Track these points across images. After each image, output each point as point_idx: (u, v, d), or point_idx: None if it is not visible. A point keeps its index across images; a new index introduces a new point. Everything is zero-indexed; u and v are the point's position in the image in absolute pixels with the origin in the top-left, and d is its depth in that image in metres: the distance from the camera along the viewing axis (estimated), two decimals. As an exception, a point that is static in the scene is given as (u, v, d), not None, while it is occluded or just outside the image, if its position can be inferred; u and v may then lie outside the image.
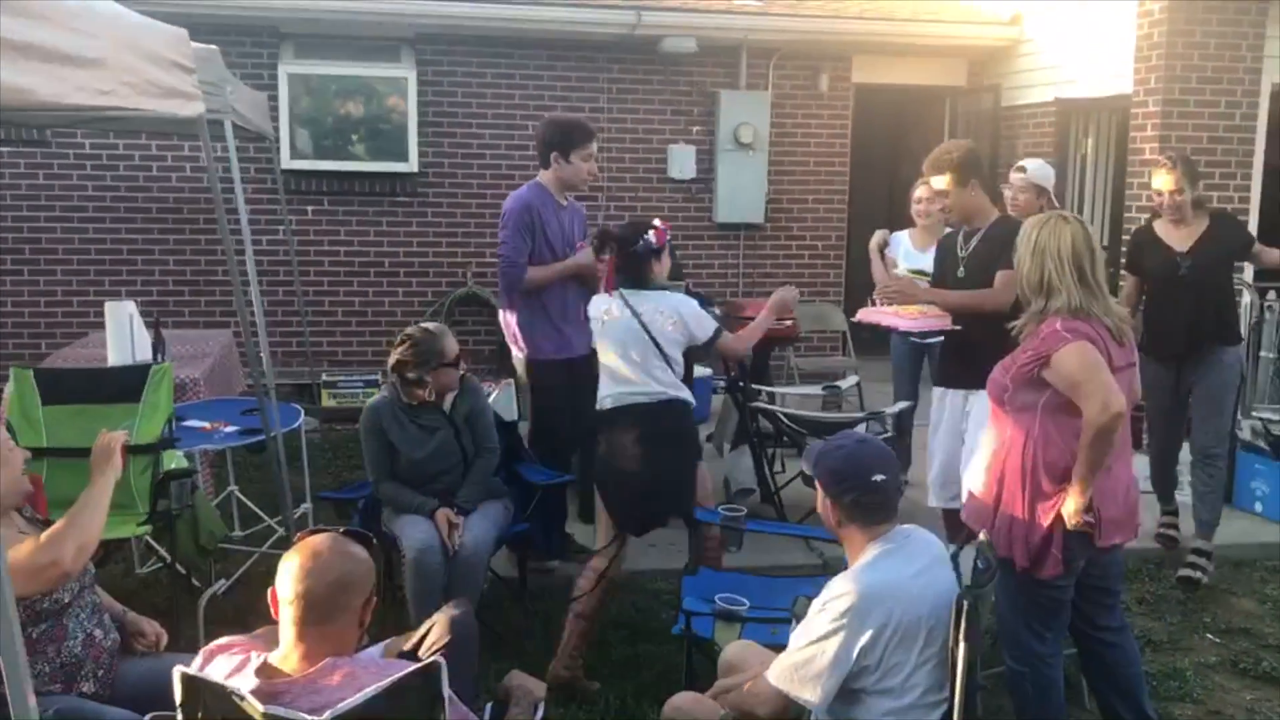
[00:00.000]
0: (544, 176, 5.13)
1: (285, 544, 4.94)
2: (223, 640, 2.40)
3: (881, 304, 4.94)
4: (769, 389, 6.41)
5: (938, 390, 4.73)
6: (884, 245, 5.92)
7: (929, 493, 4.72)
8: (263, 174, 8.49)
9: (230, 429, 5.07)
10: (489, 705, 2.74)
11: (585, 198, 9.17)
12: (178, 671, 2.20)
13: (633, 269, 4.16)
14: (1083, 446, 3.15)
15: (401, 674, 2.18)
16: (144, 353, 5.79)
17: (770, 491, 5.74)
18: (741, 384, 5.74)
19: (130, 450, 4.62)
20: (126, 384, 4.76)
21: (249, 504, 5.56)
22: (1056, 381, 3.22)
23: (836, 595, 2.72)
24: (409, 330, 4.39)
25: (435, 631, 2.79)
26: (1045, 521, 3.24)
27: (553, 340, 5.07)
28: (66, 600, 2.97)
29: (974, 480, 3.56)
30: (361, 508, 4.55)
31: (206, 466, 5.80)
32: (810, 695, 2.71)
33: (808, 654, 2.71)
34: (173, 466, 4.47)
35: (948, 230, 5.01)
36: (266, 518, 5.46)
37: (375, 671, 2.23)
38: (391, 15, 8.45)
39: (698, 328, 4.17)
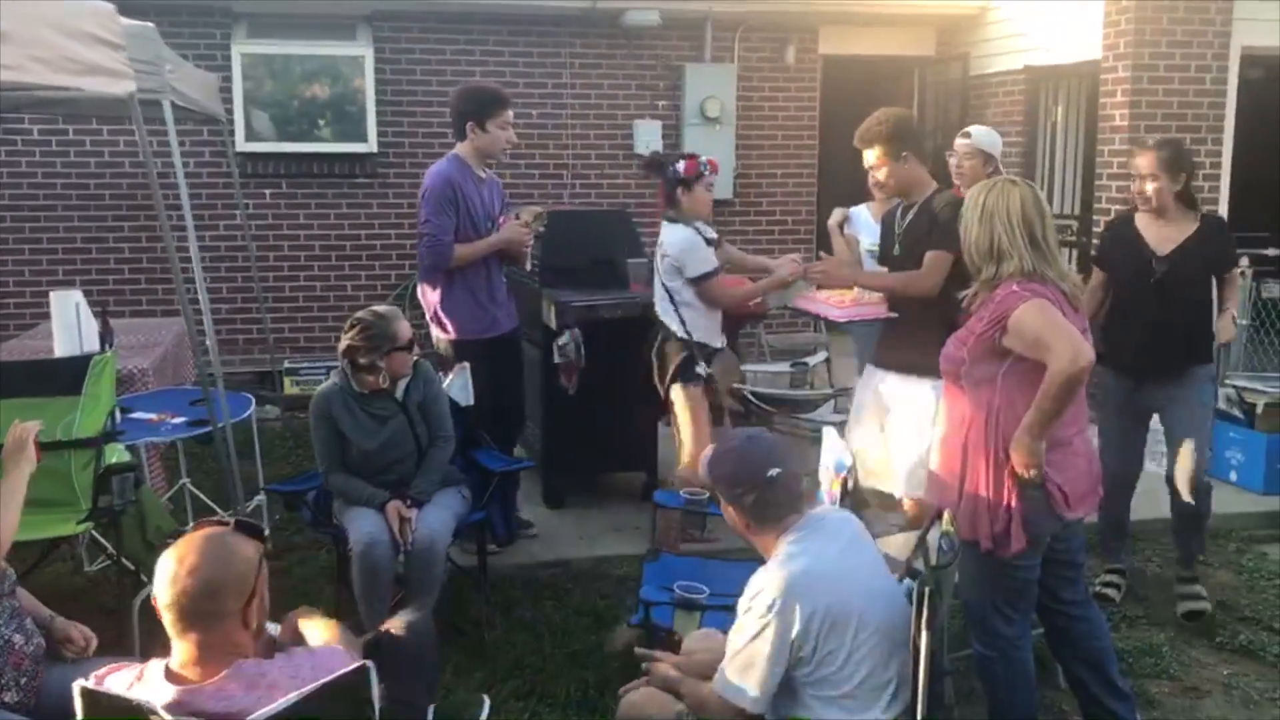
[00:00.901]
0: (461, 149, 4.96)
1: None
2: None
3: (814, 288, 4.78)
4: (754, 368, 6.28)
5: (871, 370, 4.51)
6: (844, 222, 5.77)
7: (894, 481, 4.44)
8: (218, 157, 8.27)
9: (178, 420, 4.91)
10: (431, 708, 2.62)
11: (550, 175, 9.06)
12: (77, 686, 2.05)
13: (666, 197, 4.73)
14: (1043, 395, 2.99)
15: (328, 678, 2.05)
16: (91, 343, 5.61)
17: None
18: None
19: (71, 445, 4.53)
20: (67, 376, 4.58)
21: (202, 497, 5.39)
22: (1017, 343, 3.07)
23: (758, 591, 2.61)
24: (359, 314, 4.20)
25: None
26: (1009, 498, 3.12)
27: (477, 319, 4.92)
28: (-22, 607, 2.82)
29: (934, 459, 3.44)
30: (312, 500, 4.40)
31: (157, 459, 5.63)
32: (753, 695, 2.60)
33: (743, 657, 2.60)
34: (114, 461, 4.30)
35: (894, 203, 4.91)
36: (220, 510, 5.29)
37: (288, 674, 2.09)
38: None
39: (688, 263, 4.67)
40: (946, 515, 2.87)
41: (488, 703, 2.62)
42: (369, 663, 2.09)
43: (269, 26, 8.45)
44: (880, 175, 4.34)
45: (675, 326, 4.77)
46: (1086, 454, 3.28)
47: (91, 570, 4.98)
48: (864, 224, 5.86)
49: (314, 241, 8.81)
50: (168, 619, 2.14)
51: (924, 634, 2.46)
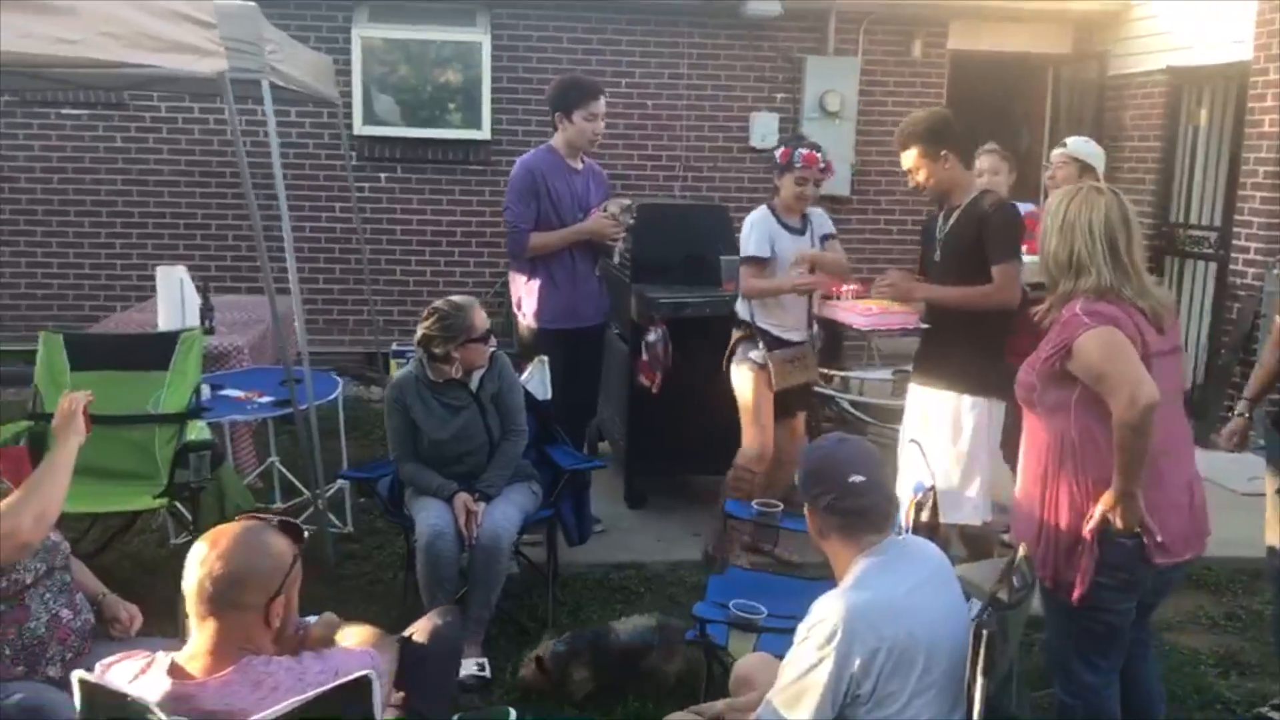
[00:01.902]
0: (555, 139, 5.02)
1: (317, 519, 4.86)
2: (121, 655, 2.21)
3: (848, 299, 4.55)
4: (836, 372, 6.05)
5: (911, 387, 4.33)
6: None
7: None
8: (336, 140, 8.38)
9: (265, 399, 4.94)
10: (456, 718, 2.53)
11: (663, 167, 8.93)
12: (76, 678, 2.01)
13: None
14: (1116, 449, 2.76)
15: (324, 688, 1.96)
16: (193, 318, 5.73)
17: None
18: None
19: (156, 419, 4.60)
20: (155, 351, 4.66)
21: (289, 476, 5.43)
22: (1080, 374, 2.84)
23: (819, 620, 2.40)
24: (436, 304, 4.16)
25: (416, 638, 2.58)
26: (1088, 539, 2.87)
27: (557, 309, 4.94)
28: (29, 581, 2.81)
29: (1018, 490, 3.21)
30: (386, 487, 4.37)
31: (249, 437, 5.70)
32: None
33: (795, 689, 2.41)
34: (193, 438, 4.33)
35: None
36: (305, 490, 5.33)
37: (294, 677, 2.02)
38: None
39: (742, 243, 4.71)
40: (1022, 549, 2.64)
41: (514, 715, 2.51)
42: (371, 673, 2.00)
43: (390, 11, 8.51)
44: (920, 177, 4.13)
45: (740, 307, 4.74)
46: (1183, 484, 2.99)
47: (176, 543, 5.06)
48: None
49: (426, 226, 8.85)
50: (190, 603, 2.12)
51: (979, 680, 2.25)
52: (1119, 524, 2.80)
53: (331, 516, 5.12)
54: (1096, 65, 8.82)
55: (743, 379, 4.70)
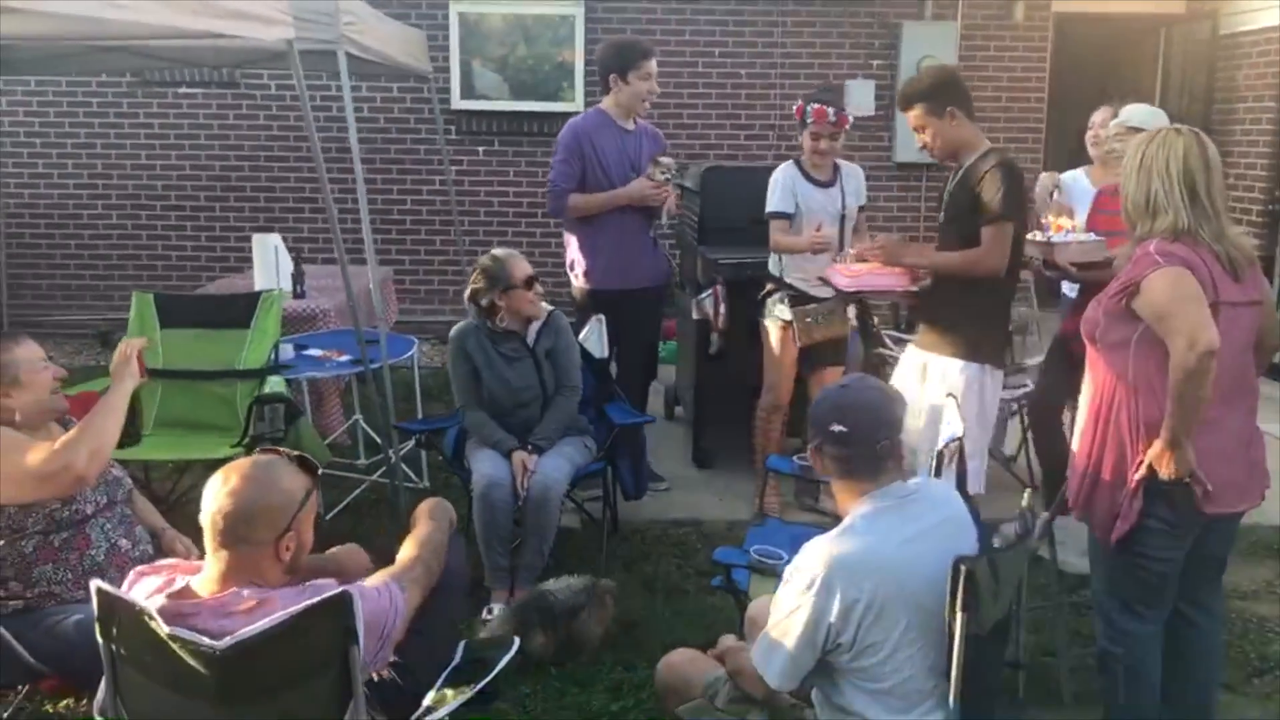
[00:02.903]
0: (605, 101, 5.11)
1: (393, 474, 5.05)
2: (157, 564, 2.38)
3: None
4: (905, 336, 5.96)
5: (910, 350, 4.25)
6: (1055, 189, 5.37)
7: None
8: (435, 113, 8.59)
9: (344, 358, 5.14)
10: (462, 644, 2.64)
11: (756, 136, 8.92)
12: (94, 585, 2.18)
13: None
14: (1170, 395, 2.71)
15: (307, 603, 2.09)
16: (286, 282, 6.00)
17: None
18: (871, 325, 5.36)
19: (238, 375, 4.85)
20: (238, 310, 4.92)
21: (371, 434, 5.65)
22: (1144, 313, 2.79)
23: (801, 566, 2.43)
24: (480, 258, 4.37)
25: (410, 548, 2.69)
26: (1136, 483, 2.83)
27: (605, 270, 5.03)
28: (89, 511, 3.03)
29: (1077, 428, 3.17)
30: (453, 441, 4.52)
31: (336, 395, 5.94)
32: (775, 672, 2.45)
33: (779, 630, 2.44)
34: (267, 391, 4.55)
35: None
36: (388, 448, 5.53)
37: (293, 600, 2.15)
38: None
39: (767, 200, 4.83)
40: (1027, 492, 2.62)
41: (516, 643, 2.61)
42: (352, 590, 2.12)
43: (486, -14, 8.68)
44: (926, 137, 4.00)
45: (771, 261, 4.84)
46: (1239, 435, 2.92)
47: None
48: (1081, 192, 5.38)
49: (522, 198, 9.03)
50: (206, 534, 2.25)
51: (959, 616, 2.25)
52: (1166, 472, 2.76)
53: (408, 470, 5.32)
54: (1209, 24, 8.47)
55: (769, 333, 4.81)
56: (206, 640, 2.04)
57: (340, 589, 2.12)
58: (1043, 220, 4.66)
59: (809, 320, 4.65)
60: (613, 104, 5.05)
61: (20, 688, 3.28)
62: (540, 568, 4.14)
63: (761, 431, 4.93)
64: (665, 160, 5.04)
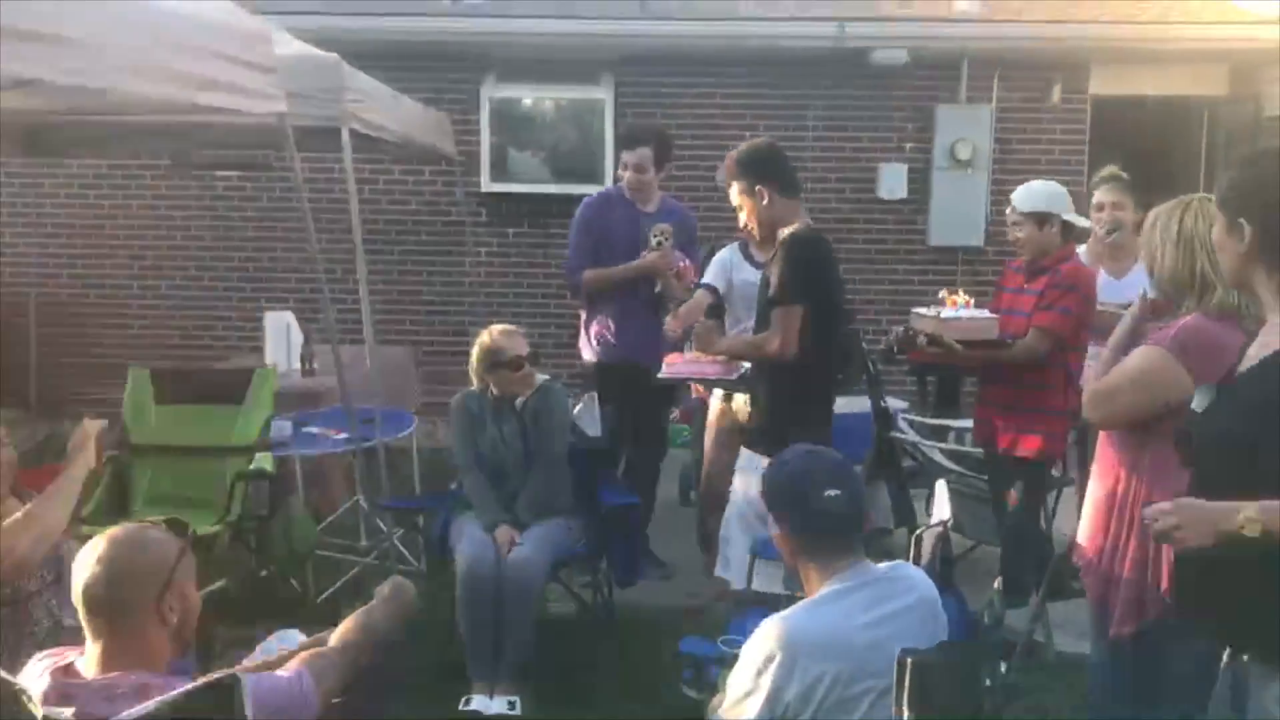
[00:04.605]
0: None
1: (388, 556, 4.92)
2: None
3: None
4: (950, 422, 5.73)
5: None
6: None
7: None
8: (472, 195, 8.63)
9: (341, 435, 5.06)
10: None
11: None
12: (-30, 661, 2.06)
13: None
14: None
15: (188, 687, 1.95)
16: (297, 359, 5.98)
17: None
18: (883, 407, 5.16)
19: (226, 451, 4.78)
20: (233, 386, 4.87)
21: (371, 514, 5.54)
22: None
23: (758, 643, 2.26)
24: (481, 334, 4.41)
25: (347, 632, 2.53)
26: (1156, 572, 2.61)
27: (609, 344, 4.99)
28: (33, 589, 2.93)
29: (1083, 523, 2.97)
30: (441, 526, 4.40)
31: (340, 473, 5.85)
32: None
33: (732, 715, 2.26)
34: (251, 468, 4.48)
35: None
36: (384, 527, 5.41)
37: (177, 686, 2.00)
38: (590, 36, 8.43)
39: None
40: (998, 583, 2.43)
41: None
42: (239, 672, 1.97)
43: (516, 72, 8.75)
44: (743, 216, 3.89)
45: None
46: None
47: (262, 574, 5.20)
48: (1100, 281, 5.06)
49: (551, 280, 8.94)
50: (81, 612, 2.13)
51: (905, 715, 2.05)
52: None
53: (405, 552, 5.18)
54: (1252, 106, 8.28)
55: (711, 407, 4.74)
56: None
57: (226, 672, 1.98)
58: None
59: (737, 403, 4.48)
60: (625, 184, 5.07)
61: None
62: (524, 657, 3.96)
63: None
64: (660, 225, 4.98)
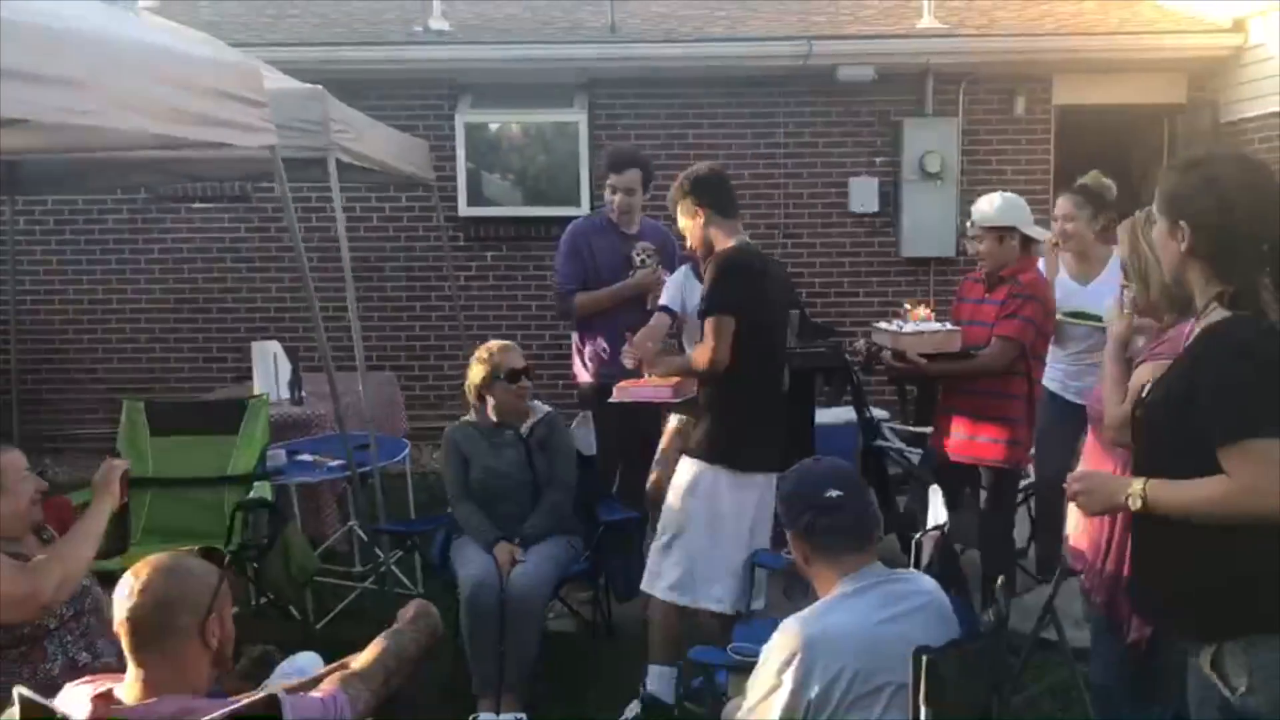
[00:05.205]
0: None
1: (385, 580, 4.97)
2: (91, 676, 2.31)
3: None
4: (907, 427, 5.86)
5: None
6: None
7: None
8: (450, 220, 8.69)
9: (335, 463, 5.11)
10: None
11: (761, 235, 8.91)
12: (16, 692, 2.10)
13: None
14: None
15: (232, 708, 2.01)
16: (285, 389, 6.00)
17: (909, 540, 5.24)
18: (868, 417, 5.27)
19: (225, 481, 4.81)
20: (227, 416, 4.91)
21: (366, 539, 5.57)
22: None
23: (778, 643, 2.34)
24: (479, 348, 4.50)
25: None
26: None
27: (601, 365, 5.05)
28: (51, 626, 2.97)
29: (1072, 524, 3.08)
30: (440, 546, 4.46)
31: (333, 500, 5.88)
32: None
33: (755, 716, 2.34)
34: (250, 497, 4.52)
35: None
36: (381, 553, 5.45)
37: (217, 708, 2.06)
38: (562, 60, 8.54)
39: None
40: (1000, 580, 2.53)
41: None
42: (280, 694, 2.03)
43: (490, 97, 8.84)
44: (687, 235, 4.06)
45: None
46: None
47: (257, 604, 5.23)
48: (1060, 287, 5.17)
49: (530, 302, 9.05)
50: (125, 638, 2.18)
51: (923, 710, 2.14)
52: None
53: (402, 576, 5.23)
54: (1209, 113, 8.49)
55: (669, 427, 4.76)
56: (123, 750, 1.95)
57: (267, 693, 2.04)
58: None
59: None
60: (608, 208, 5.14)
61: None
62: (530, 672, 4.03)
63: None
64: (642, 244, 5.08)
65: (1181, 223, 2.25)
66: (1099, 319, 4.32)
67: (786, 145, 8.91)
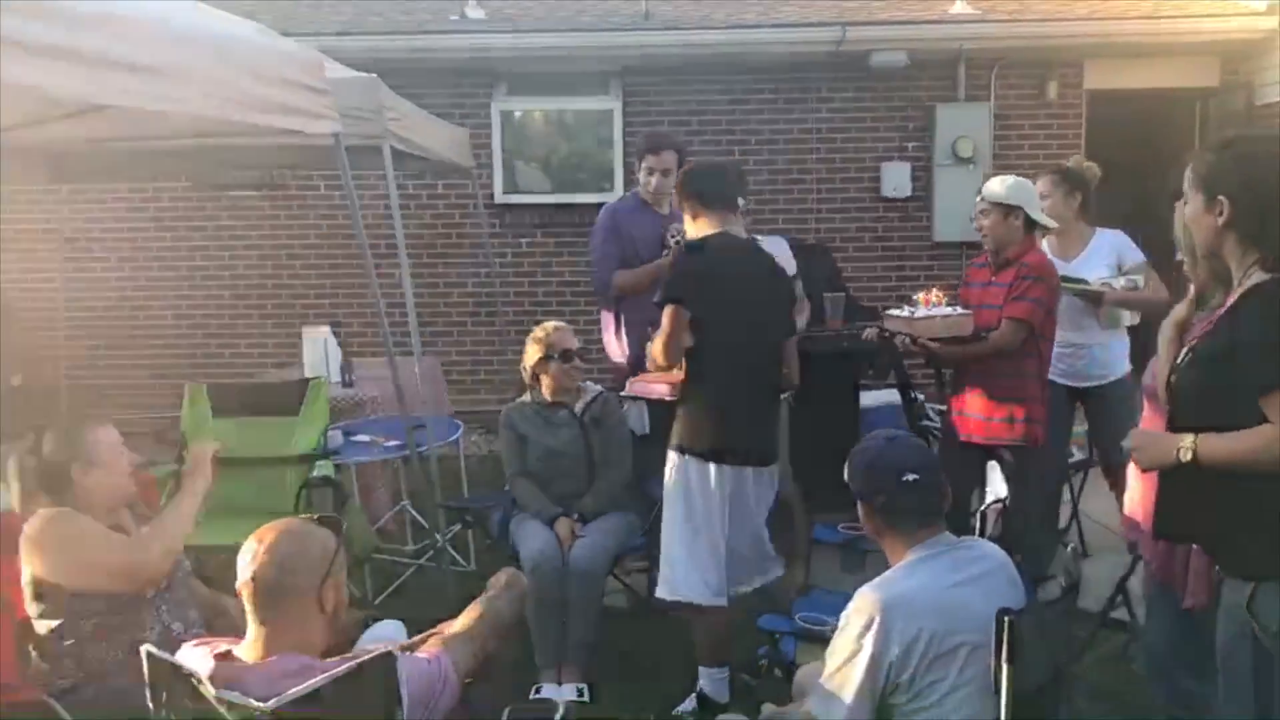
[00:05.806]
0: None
1: (440, 558, 5.08)
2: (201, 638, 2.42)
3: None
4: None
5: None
6: None
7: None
8: (486, 207, 8.79)
9: (391, 443, 5.22)
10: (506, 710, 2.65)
11: (795, 220, 9.01)
12: (144, 650, 2.22)
13: None
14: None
15: (352, 663, 2.12)
16: (335, 373, 6.13)
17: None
18: (912, 397, 5.33)
19: (287, 460, 4.93)
20: (288, 398, 5.02)
21: (419, 518, 5.70)
22: None
23: (856, 609, 2.45)
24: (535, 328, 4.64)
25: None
26: None
27: (636, 349, 5.02)
28: (149, 594, 3.09)
29: (1130, 496, 3.16)
30: (499, 522, 4.56)
31: (384, 480, 6.01)
32: None
33: (838, 679, 2.45)
34: (314, 475, 4.64)
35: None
36: (437, 533, 5.57)
37: (334, 666, 2.17)
38: (598, 47, 8.62)
39: None
40: (1070, 548, 2.62)
41: (561, 711, 2.61)
42: (395, 650, 2.14)
43: (526, 85, 8.94)
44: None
45: None
46: None
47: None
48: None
49: (565, 288, 9.16)
50: (247, 598, 2.29)
51: (1004, 668, 2.24)
52: None
53: (455, 554, 5.35)
54: (1244, 95, 8.51)
55: None
56: (254, 702, 2.06)
57: (384, 649, 2.15)
58: None
59: None
60: (642, 189, 5.17)
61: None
62: (591, 644, 4.14)
63: None
64: (675, 225, 5.14)
65: (1220, 197, 2.38)
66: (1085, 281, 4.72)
67: (819, 130, 8.99)
